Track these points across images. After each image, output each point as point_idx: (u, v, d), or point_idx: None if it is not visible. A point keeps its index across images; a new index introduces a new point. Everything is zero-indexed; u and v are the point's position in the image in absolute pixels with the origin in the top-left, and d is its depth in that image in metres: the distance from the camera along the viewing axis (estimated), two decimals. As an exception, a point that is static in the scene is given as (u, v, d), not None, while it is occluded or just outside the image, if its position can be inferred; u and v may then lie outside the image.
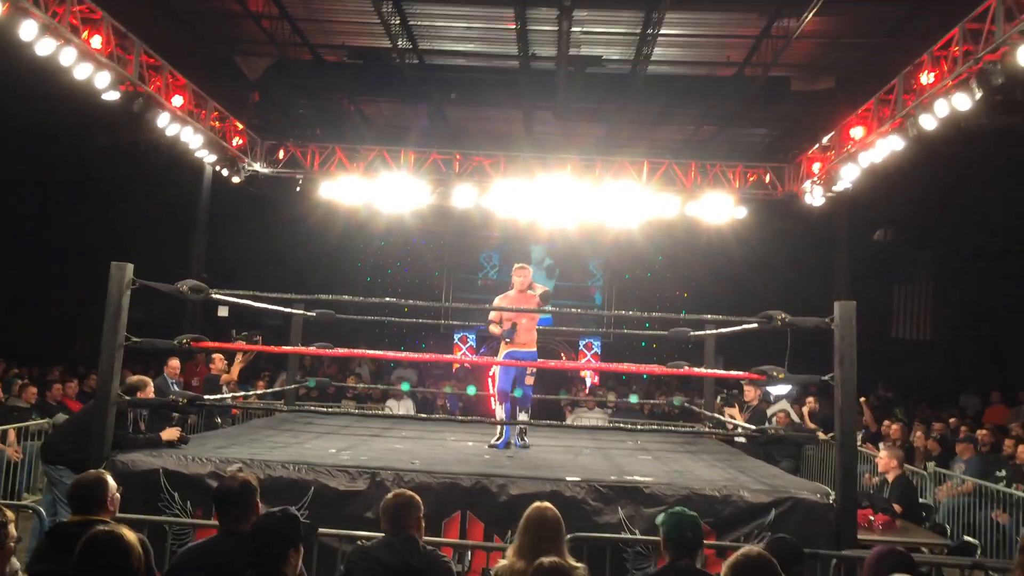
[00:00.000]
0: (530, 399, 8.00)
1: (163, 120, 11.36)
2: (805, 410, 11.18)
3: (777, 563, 3.00)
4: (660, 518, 4.09)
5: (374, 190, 14.44)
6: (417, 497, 4.06)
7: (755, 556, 2.95)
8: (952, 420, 11.79)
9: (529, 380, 7.88)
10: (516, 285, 7.79)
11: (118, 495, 3.89)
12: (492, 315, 7.83)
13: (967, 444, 9.63)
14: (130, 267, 6.01)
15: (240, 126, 13.92)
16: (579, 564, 3.49)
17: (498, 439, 7.73)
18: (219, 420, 9.14)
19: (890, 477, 7.47)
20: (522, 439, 7.88)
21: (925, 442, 10.51)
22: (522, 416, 7.82)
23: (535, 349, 7.77)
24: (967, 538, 7.32)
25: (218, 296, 6.83)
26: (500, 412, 7.87)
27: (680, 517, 4.02)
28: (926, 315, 18.10)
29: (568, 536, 4.10)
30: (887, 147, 10.81)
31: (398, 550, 3.85)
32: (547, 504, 4.03)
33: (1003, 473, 8.80)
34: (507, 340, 7.65)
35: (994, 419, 12.24)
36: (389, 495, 4.10)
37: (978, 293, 16.23)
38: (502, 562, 3.87)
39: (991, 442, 9.92)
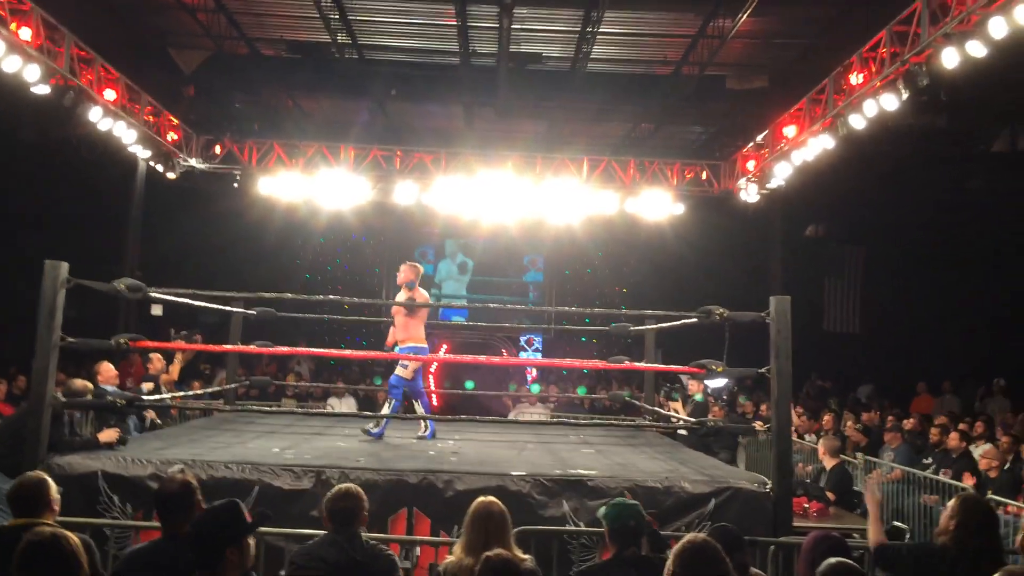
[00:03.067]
0: (395, 390, 8.05)
1: (95, 114, 11.06)
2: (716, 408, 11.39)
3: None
4: (602, 511, 4.18)
5: (314, 186, 14.30)
6: (361, 492, 4.06)
7: (700, 542, 3.03)
8: (869, 414, 12.11)
9: (399, 371, 7.99)
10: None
11: (59, 497, 3.82)
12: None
13: (895, 433, 9.95)
14: (65, 265, 5.86)
15: (175, 121, 13.63)
16: (526, 556, 3.55)
17: (425, 431, 8.01)
18: (151, 420, 8.87)
19: (827, 466, 7.71)
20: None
21: (853, 432, 10.83)
22: (418, 407, 8.09)
23: (411, 343, 7.94)
24: (896, 523, 7.58)
25: (156, 295, 6.72)
26: (420, 408, 8.13)
27: (621, 507, 4.12)
28: (855, 308, 18.60)
29: (514, 530, 4.15)
30: (818, 145, 11.11)
31: (342, 547, 3.85)
32: (492, 499, 4.08)
33: (929, 460, 9.14)
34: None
35: (920, 409, 12.68)
36: (332, 492, 4.08)
37: (904, 287, 16.75)
38: (449, 558, 3.90)
39: (919, 431, 10.28)
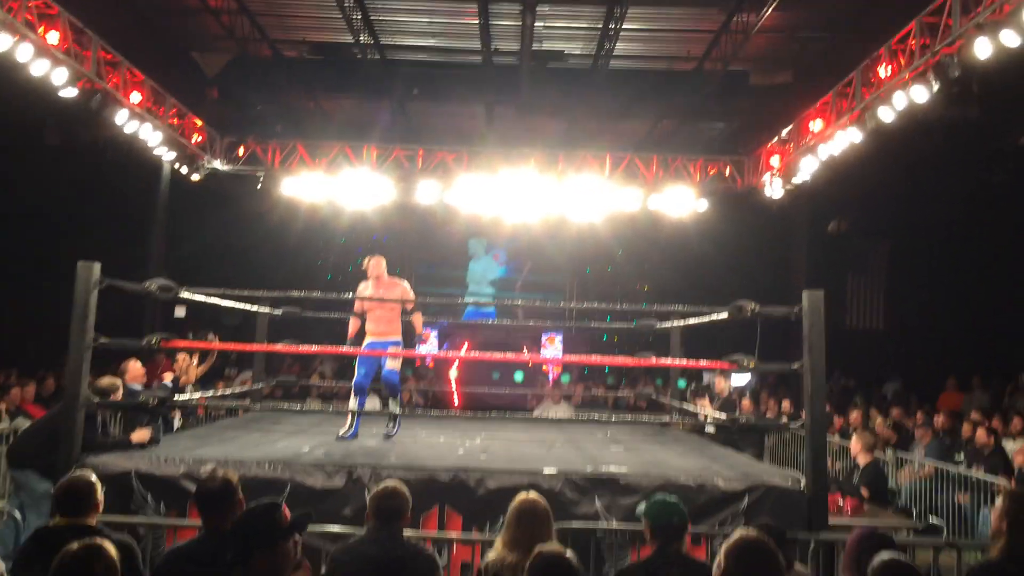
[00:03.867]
0: (397, 386, 7.77)
1: (121, 117, 11.14)
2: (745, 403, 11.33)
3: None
4: (642, 507, 4.15)
5: (336, 187, 14.32)
6: (407, 491, 4.04)
7: (753, 539, 2.98)
8: (897, 411, 12.01)
9: (390, 364, 7.64)
10: (370, 274, 7.74)
11: (103, 498, 3.83)
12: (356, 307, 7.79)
13: (926, 429, 9.86)
14: (97, 266, 5.90)
15: (199, 123, 13.69)
16: (569, 551, 3.52)
17: (348, 430, 7.49)
18: (176, 420, 8.92)
19: (861, 462, 7.64)
20: (393, 427, 7.68)
21: (883, 429, 10.74)
22: (392, 405, 7.65)
23: (397, 338, 7.71)
24: (933, 520, 7.51)
25: (186, 295, 6.74)
26: (353, 404, 7.66)
27: (664, 504, 4.09)
28: (879, 305, 18.44)
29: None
30: (845, 139, 11.00)
31: (384, 544, 3.83)
32: (536, 495, 4.06)
33: (961, 456, 9.04)
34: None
35: (949, 404, 12.53)
36: (379, 487, 4.05)
37: (929, 282, 16.58)
38: (491, 555, 3.87)
39: (949, 427, 10.17)
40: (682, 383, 11.11)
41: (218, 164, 14.36)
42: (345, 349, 7.94)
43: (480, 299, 18.43)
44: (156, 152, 12.80)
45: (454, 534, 5.53)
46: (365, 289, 7.77)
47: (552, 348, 19.26)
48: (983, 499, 7.93)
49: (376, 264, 7.76)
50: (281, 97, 14.73)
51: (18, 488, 6.28)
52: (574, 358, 12.80)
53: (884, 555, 3.07)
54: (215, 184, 14.73)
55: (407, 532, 4.18)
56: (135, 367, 7.99)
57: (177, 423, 8.81)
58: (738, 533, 3.04)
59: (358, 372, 7.60)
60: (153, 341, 6.22)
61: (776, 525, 4.13)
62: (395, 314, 7.70)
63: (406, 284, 7.85)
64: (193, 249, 15.82)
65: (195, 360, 9.10)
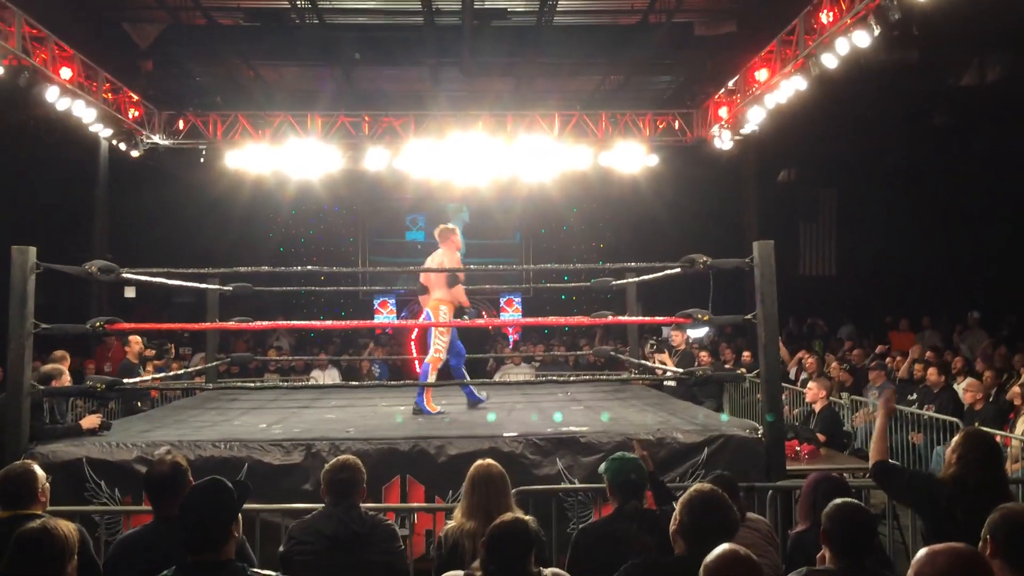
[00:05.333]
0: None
1: (52, 94, 10.74)
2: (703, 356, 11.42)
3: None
4: (603, 466, 4.17)
5: (282, 157, 14.04)
6: (359, 463, 4.00)
7: (708, 491, 3.05)
8: (857, 352, 12.24)
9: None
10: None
11: (48, 486, 3.72)
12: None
13: (879, 371, 10.04)
14: (33, 250, 5.70)
15: (135, 97, 13.27)
16: (528, 517, 3.51)
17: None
18: (140, 404, 8.85)
19: (817, 407, 7.75)
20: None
21: (838, 372, 10.92)
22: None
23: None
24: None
25: (129, 275, 6.56)
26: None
27: (622, 462, 4.12)
28: (831, 251, 18.70)
29: (513, 491, 4.11)
30: (791, 88, 11.02)
31: (340, 519, 3.79)
32: (490, 461, 4.03)
33: (914, 396, 9.22)
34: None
35: (902, 345, 12.77)
36: (331, 464, 4.01)
37: (877, 227, 16.84)
38: (450, 523, 3.85)
39: (901, 366, 10.37)
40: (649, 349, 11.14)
41: (158, 139, 13.98)
42: (298, 324, 7.83)
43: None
44: (92, 129, 12.39)
45: (416, 504, 5.51)
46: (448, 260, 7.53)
47: (511, 311, 19.28)
48: (936, 438, 8.11)
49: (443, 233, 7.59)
50: (219, 67, 14.36)
51: (-34, 482, 6.10)
52: (532, 320, 12.81)
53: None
54: (156, 160, 14.36)
55: (369, 505, 4.14)
56: (136, 341, 8.79)
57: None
58: (694, 487, 3.08)
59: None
60: (97, 324, 6.04)
61: (728, 475, 4.19)
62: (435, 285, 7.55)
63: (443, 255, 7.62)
64: (139, 228, 15.47)
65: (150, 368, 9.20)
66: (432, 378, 7.43)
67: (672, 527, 3.05)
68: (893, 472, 4.19)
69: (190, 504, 2.97)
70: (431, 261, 7.64)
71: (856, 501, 3.19)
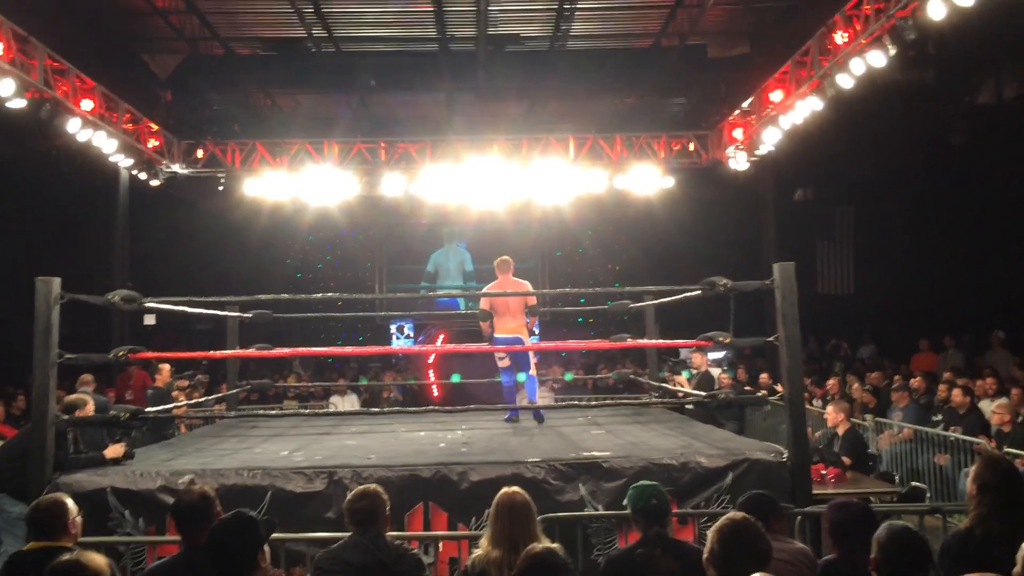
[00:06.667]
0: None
1: (73, 126, 10.88)
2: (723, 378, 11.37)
3: (758, 520, 3.07)
4: (627, 496, 4.14)
5: (299, 184, 14.15)
6: (382, 492, 3.98)
7: (740, 519, 3.01)
8: (875, 375, 12.13)
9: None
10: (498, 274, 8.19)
11: (80, 519, 3.73)
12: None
13: (902, 392, 9.94)
14: (57, 281, 5.73)
15: (154, 127, 13.43)
16: (555, 545, 3.49)
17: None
18: (171, 432, 8.95)
19: (840, 430, 7.68)
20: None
21: (861, 394, 10.83)
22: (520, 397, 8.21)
23: (497, 335, 8.10)
24: (915, 483, 7.57)
25: (150, 304, 6.59)
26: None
27: (643, 487, 4.09)
28: (849, 270, 18.60)
29: (539, 518, 4.08)
30: (806, 108, 11.04)
31: (367, 548, 3.77)
32: (515, 489, 4.01)
33: (939, 417, 9.12)
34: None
35: (922, 366, 12.67)
36: (352, 493, 4.00)
37: (896, 245, 16.74)
38: (476, 552, 3.83)
39: (924, 389, 10.26)
40: (661, 373, 11.12)
41: (177, 168, 14.11)
42: (317, 350, 7.93)
43: (451, 290, 18.20)
44: (112, 159, 12.54)
45: (440, 532, 5.47)
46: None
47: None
48: (963, 459, 8.01)
49: (502, 265, 8.15)
50: (237, 96, 14.50)
51: (-8, 513, 6.12)
52: (553, 344, 12.78)
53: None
54: (175, 188, 14.51)
55: (393, 533, 4.12)
56: (166, 369, 9.23)
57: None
58: (727, 514, 3.05)
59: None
60: (120, 354, 6.07)
61: (767, 495, 4.11)
62: (519, 312, 8.05)
63: (528, 285, 8.26)
64: (158, 255, 15.59)
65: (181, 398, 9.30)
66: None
67: (704, 556, 3.02)
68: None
69: (217, 537, 2.99)
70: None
71: (908, 525, 3.13)
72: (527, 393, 8.23)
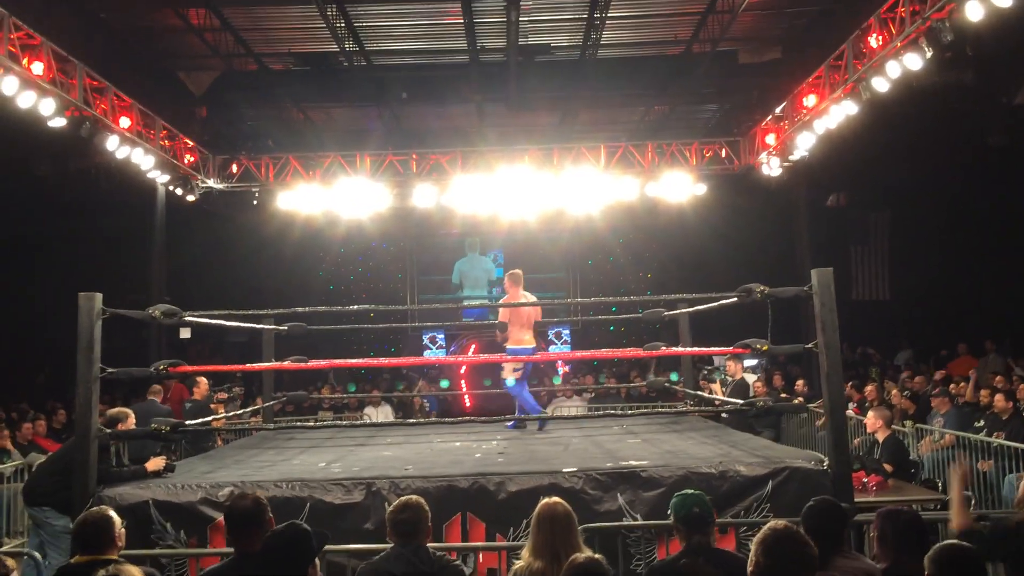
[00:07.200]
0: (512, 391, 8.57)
1: (112, 143, 11.07)
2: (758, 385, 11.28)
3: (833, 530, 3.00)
4: (671, 504, 4.12)
5: (332, 197, 14.28)
6: (423, 502, 3.99)
7: (783, 528, 2.96)
8: (918, 380, 11.97)
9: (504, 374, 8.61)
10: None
11: (123, 531, 3.78)
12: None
13: (943, 398, 9.78)
14: (99, 296, 5.82)
15: (190, 143, 13.64)
16: (598, 556, 3.47)
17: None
18: (211, 445, 9.06)
19: (880, 437, 7.57)
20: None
21: (900, 400, 10.67)
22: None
23: (511, 345, 8.39)
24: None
25: (190, 318, 6.67)
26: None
27: (686, 496, 4.07)
28: (884, 275, 18.36)
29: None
30: (841, 112, 10.92)
31: (409, 560, 3.77)
32: (556, 499, 3.99)
33: (981, 423, 8.96)
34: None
35: (961, 371, 12.46)
36: (394, 505, 4.01)
37: (931, 249, 16.50)
38: (518, 563, 3.82)
39: (966, 396, 10.10)
40: (675, 376, 11.08)
41: (213, 183, 14.30)
42: (353, 362, 8.05)
43: (479, 300, 18.22)
44: (150, 176, 12.74)
45: (480, 543, 5.47)
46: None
47: (559, 343, 19.22)
48: (1006, 465, 7.86)
49: (515, 277, 8.51)
50: (271, 111, 14.67)
51: (37, 526, 6.22)
52: (587, 354, 12.76)
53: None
54: (211, 203, 14.68)
55: (435, 545, 4.12)
56: (204, 382, 9.47)
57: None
58: (769, 524, 3.00)
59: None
60: (161, 368, 6.15)
61: (834, 501, 3.95)
62: (518, 324, 8.37)
63: (524, 295, 8.53)
64: (193, 269, 15.78)
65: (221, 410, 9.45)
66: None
67: (749, 568, 2.98)
68: (978, 539, 4.04)
69: (271, 548, 3.03)
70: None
71: (963, 543, 3.08)
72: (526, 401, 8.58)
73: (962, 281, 15.75)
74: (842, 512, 3.84)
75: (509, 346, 8.33)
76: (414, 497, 4.02)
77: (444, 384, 12.65)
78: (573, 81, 13.55)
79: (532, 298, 8.54)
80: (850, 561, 3.52)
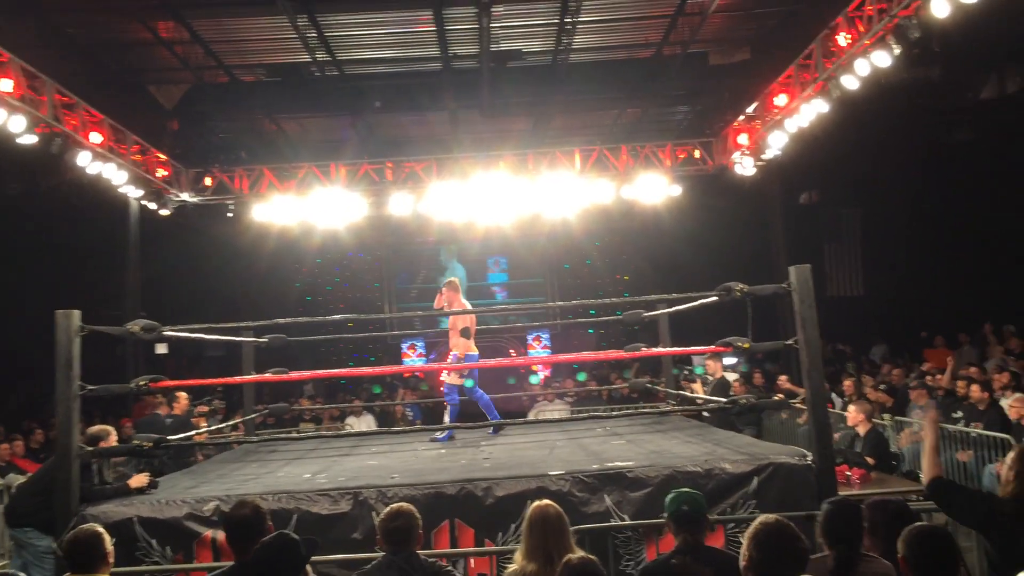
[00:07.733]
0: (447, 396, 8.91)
1: (83, 159, 10.97)
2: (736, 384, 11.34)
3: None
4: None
5: (308, 208, 14.21)
6: (414, 510, 3.99)
7: (773, 523, 2.98)
8: (896, 372, 12.10)
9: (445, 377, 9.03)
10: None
11: (112, 548, 3.74)
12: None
13: (921, 390, 9.90)
14: (77, 314, 5.77)
15: (163, 157, 13.52)
16: (592, 556, 3.48)
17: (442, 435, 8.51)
18: (192, 459, 9.00)
19: (861, 431, 7.65)
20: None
21: (877, 394, 10.78)
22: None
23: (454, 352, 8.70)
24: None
25: (169, 332, 6.61)
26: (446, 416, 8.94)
27: (677, 493, 4.09)
28: (857, 271, 18.56)
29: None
30: (812, 111, 11.06)
31: (402, 568, 3.77)
32: (547, 502, 4.01)
33: (959, 414, 9.08)
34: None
35: (938, 362, 12.60)
36: (385, 513, 4.00)
37: (902, 244, 16.70)
38: (511, 567, 3.83)
39: (943, 385, 10.22)
40: (675, 371, 11.12)
41: (186, 196, 14.19)
42: (334, 372, 8.02)
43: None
44: (122, 191, 12.62)
45: (470, 549, 5.46)
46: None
47: (539, 347, 19.24)
48: (985, 455, 7.97)
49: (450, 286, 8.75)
50: (243, 123, 14.59)
51: (19, 547, 6.14)
52: (568, 357, 12.76)
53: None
54: (185, 216, 14.56)
55: (426, 552, 4.11)
56: (184, 397, 9.49)
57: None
58: (759, 519, 3.02)
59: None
60: (141, 383, 6.10)
61: (895, 500, 3.95)
62: (451, 331, 8.79)
63: (463, 302, 8.85)
64: (168, 283, 15.63)
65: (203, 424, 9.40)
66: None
67: (741, 563, 3.00)
68: (952, 490, 4.10)
69: (261, 558, 3.00)
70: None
71: (935, 524, 3.12)
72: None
73: (933, 275, 15.94)
74: (855, 508, 3.81)
75: (469, 353, 8.58)
76: (405, 505, 4.01)
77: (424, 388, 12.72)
78: (546, 86, 13.60)
79: (469, 306, 8.93)
80: (871, 564, 3.50)
